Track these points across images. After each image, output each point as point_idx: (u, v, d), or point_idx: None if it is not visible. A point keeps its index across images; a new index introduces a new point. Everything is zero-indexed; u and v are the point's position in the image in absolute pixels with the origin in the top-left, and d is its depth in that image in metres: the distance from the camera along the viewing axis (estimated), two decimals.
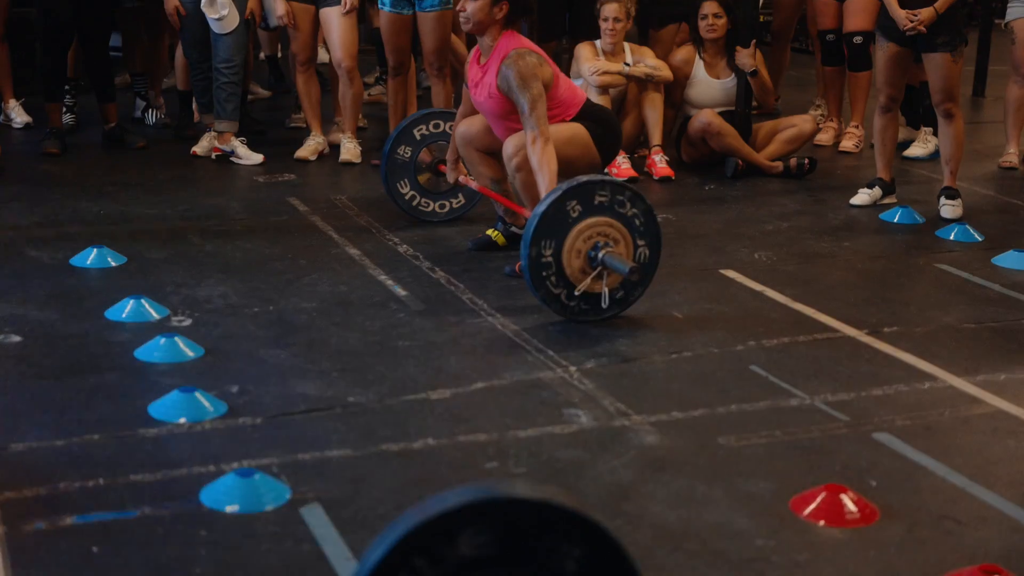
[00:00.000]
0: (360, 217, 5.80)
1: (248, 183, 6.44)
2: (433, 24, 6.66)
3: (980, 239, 5.70)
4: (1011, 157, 7.07)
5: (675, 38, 7.36)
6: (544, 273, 4.38)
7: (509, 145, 4.90)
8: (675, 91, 6.95)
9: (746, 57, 6.75)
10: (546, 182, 4.64)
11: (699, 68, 6.92)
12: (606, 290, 4.44)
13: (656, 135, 6.76)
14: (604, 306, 4.46)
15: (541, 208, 4.36)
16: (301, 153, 6.84)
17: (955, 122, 6.03)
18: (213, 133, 6.83)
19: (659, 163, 6.69)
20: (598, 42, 6.82)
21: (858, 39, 7.26)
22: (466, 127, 5.26)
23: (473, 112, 5.22)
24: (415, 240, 5.47)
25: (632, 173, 6.58)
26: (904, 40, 5.96)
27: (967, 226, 5.78)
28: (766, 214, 6.10)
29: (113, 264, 4.99)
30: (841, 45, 7.41)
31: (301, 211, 5.89)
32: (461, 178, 5.44)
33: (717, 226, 5.88)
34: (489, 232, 5.42)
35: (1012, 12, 6.85)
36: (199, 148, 6.89)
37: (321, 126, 6.99)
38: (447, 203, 5.82)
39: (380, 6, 6.70)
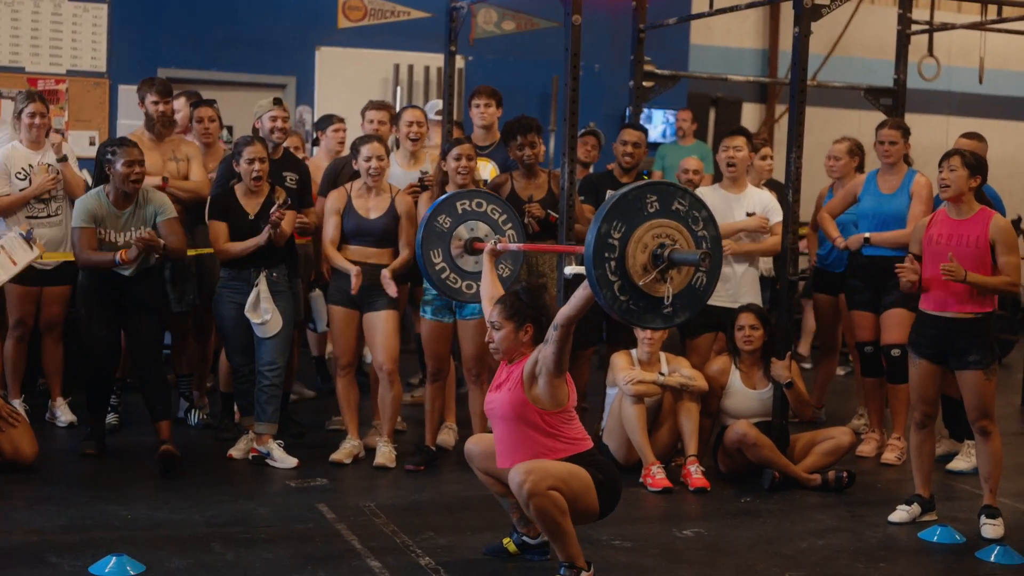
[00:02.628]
0: (387, 526, 5.74)
1: (280, 487, 6.44)
2: (473, 331, 6.79)
3: (1023, 560, 5.52)
4: None
5: (712, 347, 7.40)
6: (606, 254, 4.29)
7: (517, 474, 4.79)
8: (711, 401, 6.94)
9: (781, 369, 6.76)
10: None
11: (735, 378, 6.93)
12: (670, 289, 4.34)
13: (692, 445, 6.72)
14: (667, 302, 4.35)
15: (624, 190, 4.37)
16: (336, 457, 6.86)
17: (992, 440, 5.95)
18: (251, 435, 6.88)
19: (695, 474, 6.62)
20: (634, 351, 6.88)
21: (896, 352, 7.26)
22: (472, 445, 5.27)
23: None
24: (439, 550, 5.39)
25: (667, 483, 6.51)
26: (936, 357, 5.96)
27: (1009, 547, 5.60)
28: (802, 530, 5.96)
29: (132, 573, 4.93)
30: (879, 357, 7.41)
31: (328, 519, 5.85)
32: (500, 245, 5.45)
33: (750, 542, 5.74)
34: (504, 541, 5.37)
35: None
36: (236, 451, 6.93)
37: (358, 430, 7.03)
38: (475, 285, 5.78)
39: (422, 314, 6.86)
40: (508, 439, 5.02)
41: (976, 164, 5.97)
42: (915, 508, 6.11)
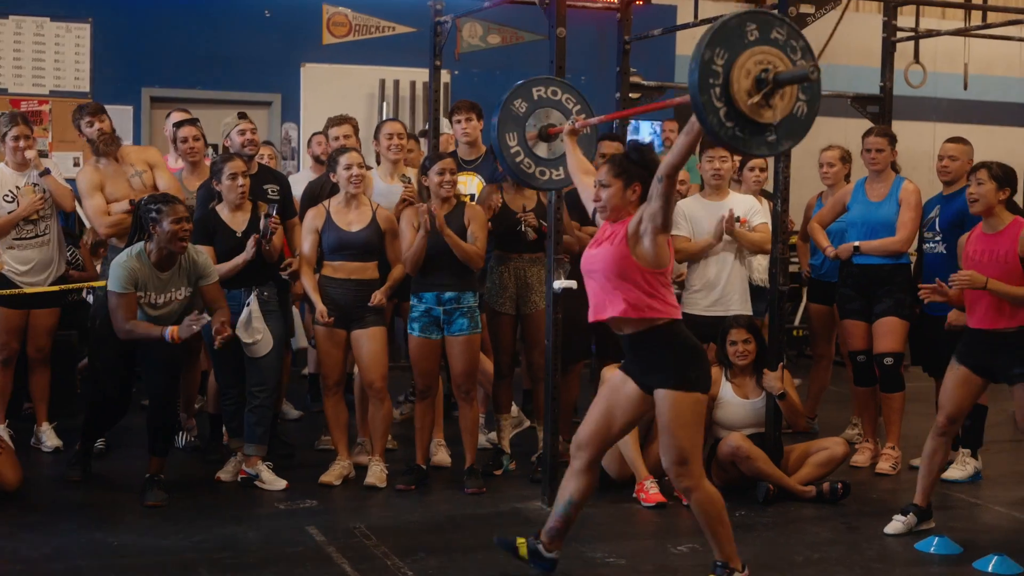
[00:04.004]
0: (377, 548, 5.67)
1: (269, 510, 6.36)
2: (462, 348, 6.73)
3: (1022, 570, 5.46)
4: None
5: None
6: (711, 80, 4.25)
7: (671, 467, 4.88)
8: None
9: (773, 380, 6.70)
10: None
11: (726, 389, 6.87)
12: (775, 115, 4.31)
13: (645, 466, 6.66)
14: (774, 127, 4.34)
15: (726, 17, 4.32)
16: (325, 478, 6.78)
17: None
18: (239, 457, 6.81)
19: (649, 489, 6.51)
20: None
21: (888, 360, 7.21)
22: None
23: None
24: (430, 572, 5.33)
25: (660, 498, 6.45)
26: (979, 368, 5.86)
27: (1006, 557, 5.54)
28: (797, 543, 5.90)
29: None
30: (872, 366, 7.37)
31: (318, 541, 5.78)
32: (578, 124, 5.59)
33: (745, 557, 5.63)
34: (519, 540, 5.31)
35: None
36: (224, 474, 6.86)
37: (348, 449, 6.96)
38: (548, 171, 5.79)
39: (410, 331, 6.78)
40: (605, 294, 4.92)
41: (1004, 176, 5.92)
42: (911, 518, 6.04)
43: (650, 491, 6.49)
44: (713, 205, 7.25)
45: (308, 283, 6.76)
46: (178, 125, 7.72)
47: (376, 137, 7.55)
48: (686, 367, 4.87)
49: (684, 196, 7.87)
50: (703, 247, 7.15)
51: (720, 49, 4.29)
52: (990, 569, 5.49)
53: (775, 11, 4.47)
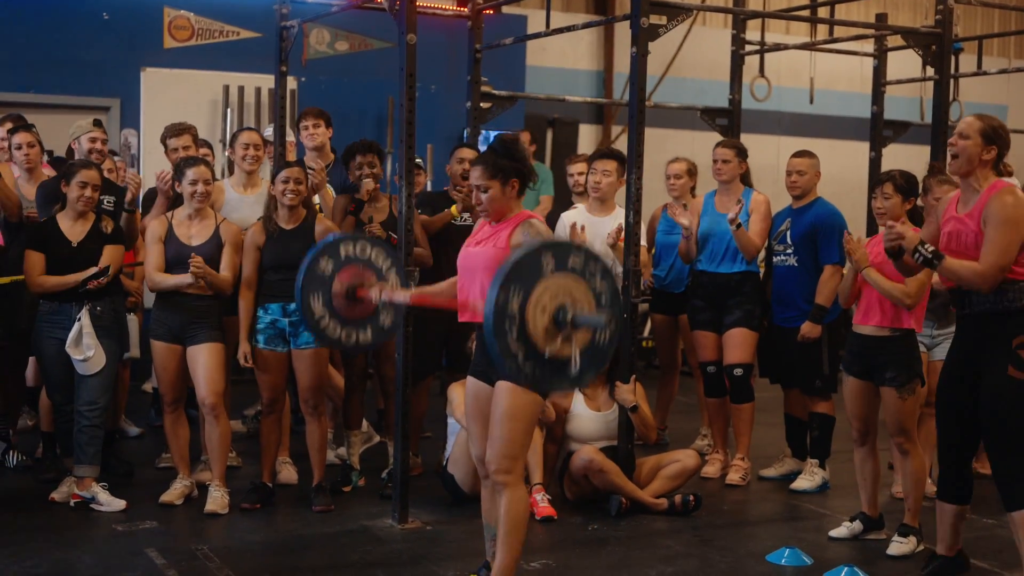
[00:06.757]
0: (220, 570, 5.45)
1: (106, 532, 6.07)
2: (309, 362, 6.56)
3: None
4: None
5: None
6: (507, 325, 4.13)
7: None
8: (556, 426, 6.81)
9: (626, 392, 6.66)
10: None
11: (579, 402, 6.81)
12: (576, 351, 4.20)
13: (537, 474, 6.56)
14: (575, 369, 4.23)
15: (518, 255, 4.22)
16: (166, 497, 6.51)
17: (910, 458, 5.96)
18: (73, 478, 6.50)
19: (541, 502, 6.46)
20: None
21: (738, 371, 7.25)
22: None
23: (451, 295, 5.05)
24: None
25: (551, 512, 6.38)
26: (862, 373, 5.95)
27: (855, 568, 5.57)
28: (650, 557, 5.86)
29: None
30: (722, 377, 7.39)
31: (157, 564, 5.53)
32: (385, 295, 5.25)
33: (599, 572, 5.62)
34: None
35: None
36: (57, 494, 6.54)
37: (189, 467, 6.70)
38: (355, 333, 5.51)
39: (254, 342, 6.56)
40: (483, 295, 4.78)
41: (908, 186, 6.00)
42: (856, 525, 6.14)
43: (540, 504, 6.40)
44: (597, 220, 7.20)
45: (169, 280, 6.50)
46: (12, 131, 7.36)
47: (231, 146, 7.29)
48: None
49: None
50: None
51: (515, 287, 4.20)
52: None
53: (569, 244, 4.44)
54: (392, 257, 5.58)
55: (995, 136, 5.07)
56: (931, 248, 5.01)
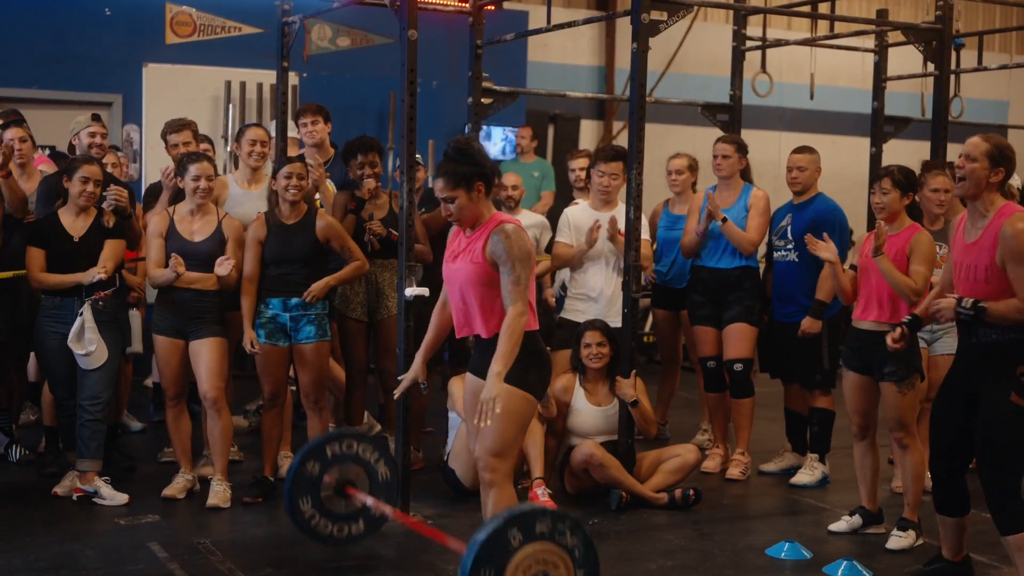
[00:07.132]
0: (223, 564, 5.48)
1: (109, 526, 6.10)
2: (310, 356, 6.59)
3: (871, 575, 5.53)
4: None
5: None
6: None
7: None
8: (556, 420, 6.84)
9: (627, 387, 6.67)
10: (508, 347, 4.61)
11: (579, 396, 6.83)
12: None
13: (537, 467, 6.58)
14: None
15: (481, 536, 4.11)
16: (168, 492, 6.55)
17: (909, 453, 5.99)
18: (76, 472, 6.53)
19: (541, 496, 6.48)
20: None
21: (738, 366, 7.27)
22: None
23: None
24: None
25: (552, 505, 6.38)
26: (862, 368, 5.98)
27: (855, 562, 5.60)
28: (650, 551, 5.88)
29: None
30: (722, 372, 7.41)
31: (160, 558, 5.56)
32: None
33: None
34: None
35: None
36: (60, 488, 6.57)
37: (191, 461, 6.73)
38: (346, 527, 5.53)
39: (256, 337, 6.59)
40: (468, 309, 4.87)
41: (906, 182, 6.02)
42: (856, 519, 6.18)
43: (541, 497, 6.42)
44: (601, 217, 7.22)
45: (166, 274, 6.49)
46: (4, 127, 7.37)
47: (238, 141, 7.30)
48: (527, 368, 4.80)
49: (518, 202, 7.88)
50: (576, 254, 7.13)
51: (484, 569, 4.11)
52: (840, 574, 5.54)
53: (532, 507, 4.36)
54: (380, 450, 5.61)
55: (1002, 158, 5.04)
56: (969, 302, 4.96)
